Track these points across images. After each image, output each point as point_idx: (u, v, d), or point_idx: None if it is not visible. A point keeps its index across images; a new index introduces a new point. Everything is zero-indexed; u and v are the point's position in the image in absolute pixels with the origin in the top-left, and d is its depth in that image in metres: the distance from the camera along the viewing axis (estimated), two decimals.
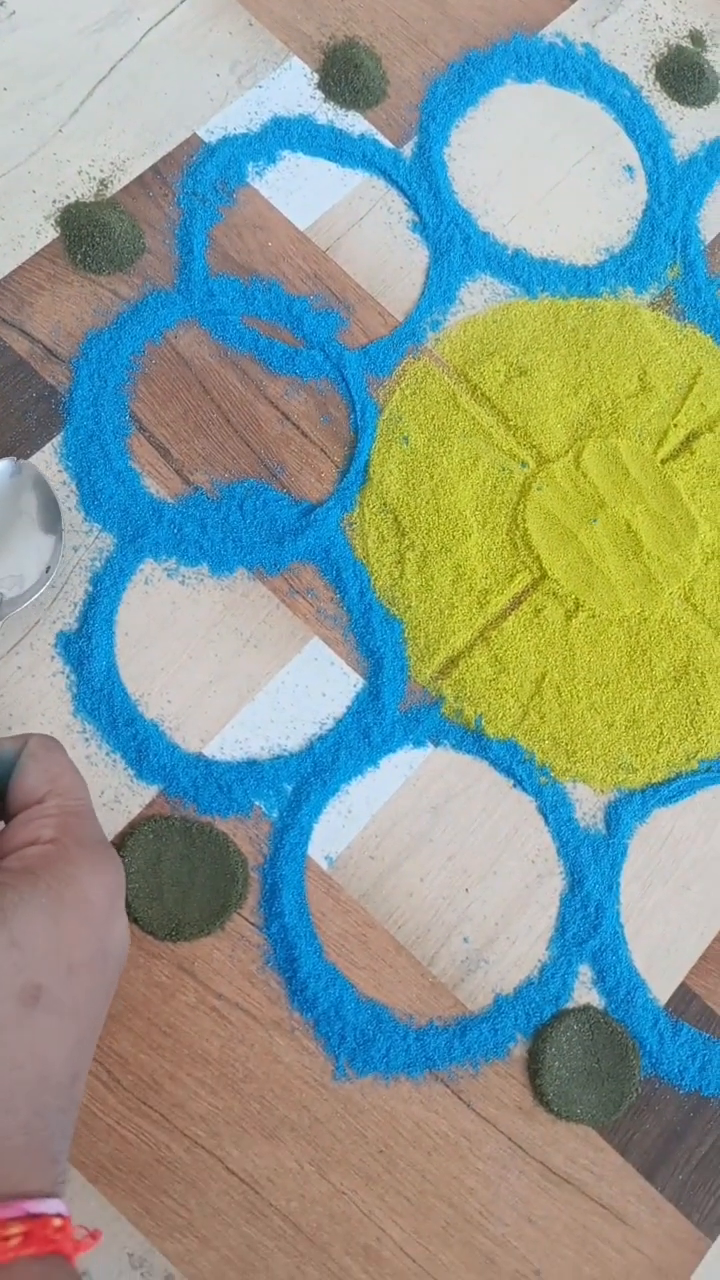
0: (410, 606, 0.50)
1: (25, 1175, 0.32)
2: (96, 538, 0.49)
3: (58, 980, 0.34)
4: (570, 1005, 0.46)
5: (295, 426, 0.52)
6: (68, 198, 0.53)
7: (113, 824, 0.45)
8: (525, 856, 0.48)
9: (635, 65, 0.60)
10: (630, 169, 0.59)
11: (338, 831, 0.47)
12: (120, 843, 0.45)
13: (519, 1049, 0.45)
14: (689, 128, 0.60)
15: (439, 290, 0.55)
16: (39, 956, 0.34)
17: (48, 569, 0.46)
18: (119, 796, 0.46)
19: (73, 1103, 0.34)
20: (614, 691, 0.50)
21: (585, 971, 0.47)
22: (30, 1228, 0.31)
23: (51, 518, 0.47)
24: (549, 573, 0.51)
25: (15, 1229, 0.31)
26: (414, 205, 0.56)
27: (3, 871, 0.35)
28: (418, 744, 0.48)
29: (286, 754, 0.47)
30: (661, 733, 0.50)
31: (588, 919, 0.47)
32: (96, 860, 0.37)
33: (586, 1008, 0.46)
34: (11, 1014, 0.33)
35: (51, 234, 0.52)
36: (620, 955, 0.47)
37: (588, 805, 0.49)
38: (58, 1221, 0.32)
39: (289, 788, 0.47)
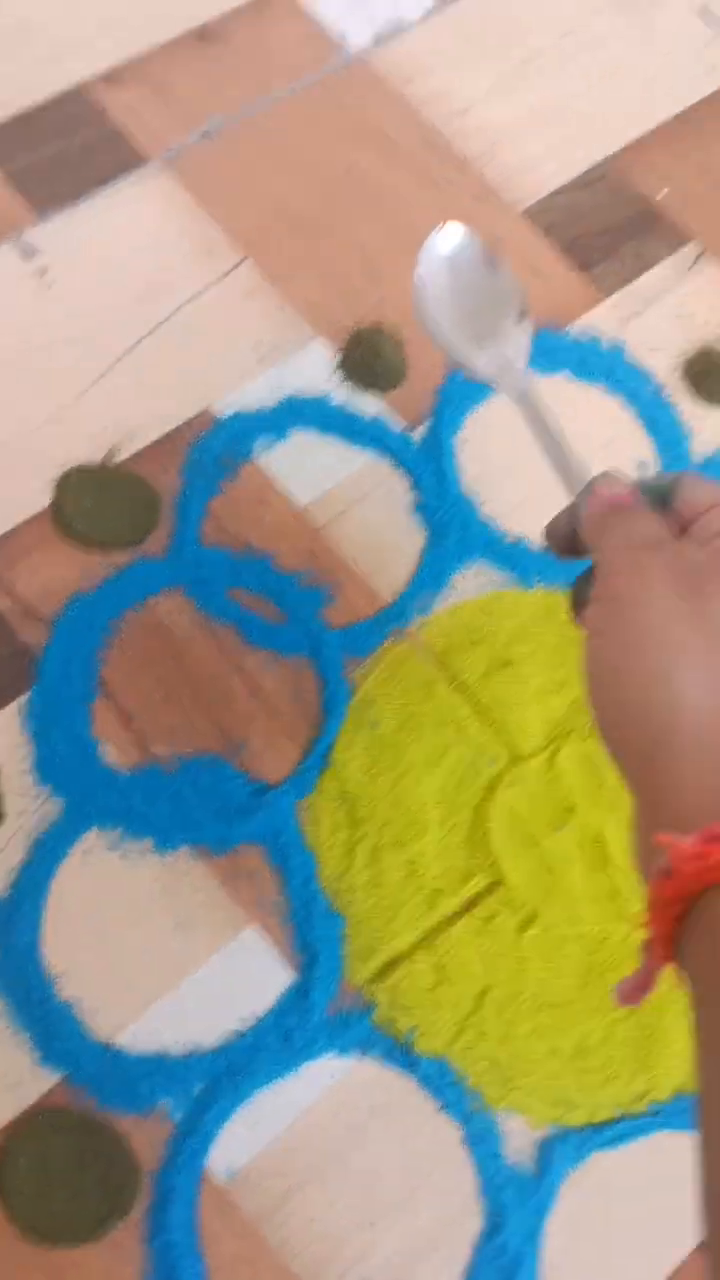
0: (355, 901, 0.48)
1: None
2: (45, 802, 0.48)
3: None
4: None
5: (265, 703, 0.51)
6: (73, 463, 0.55)
7: (6, 1110, 0.43)
8: (443, 1191, 0.44)
9: (663, 362, 0.61)
10: (646, 465, 0.58)
11: (243, 1142, 0.44)
12: (10, 1132, 0.43)
13: None
14: (711, 427, 0.59)
15: (431, 574, 0.55)
16: None
17: (525, 329, 0.45)
18: (20, 1080, 0.44)
19: None
20: (563, 1015, 0.47)
21: None
22: None
23: (513, 289, 0.46)
24: (506, 878, 0.49)
25: None
26: (417, 488, 0.56)
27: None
28: (342, 1052, 0.46)
29: (200, 1051, 0.45)
30: (610, 1066, 0.46)
31: (501, 1271, 0.43)
32: None
33: None
34: None
35: (49, 497, 0.54)
36: None
37: (519, 1140, 0.45)
38: None
39: (198, 1088, 0.45)
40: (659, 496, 0.39)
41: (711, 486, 0.39)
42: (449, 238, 0.46)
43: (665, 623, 0.34)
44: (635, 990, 0.31)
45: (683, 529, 0.38)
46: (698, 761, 0.32)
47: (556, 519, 0.41)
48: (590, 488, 0.39)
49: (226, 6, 0.68)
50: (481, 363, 0.45)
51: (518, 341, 0.45)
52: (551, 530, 0.41)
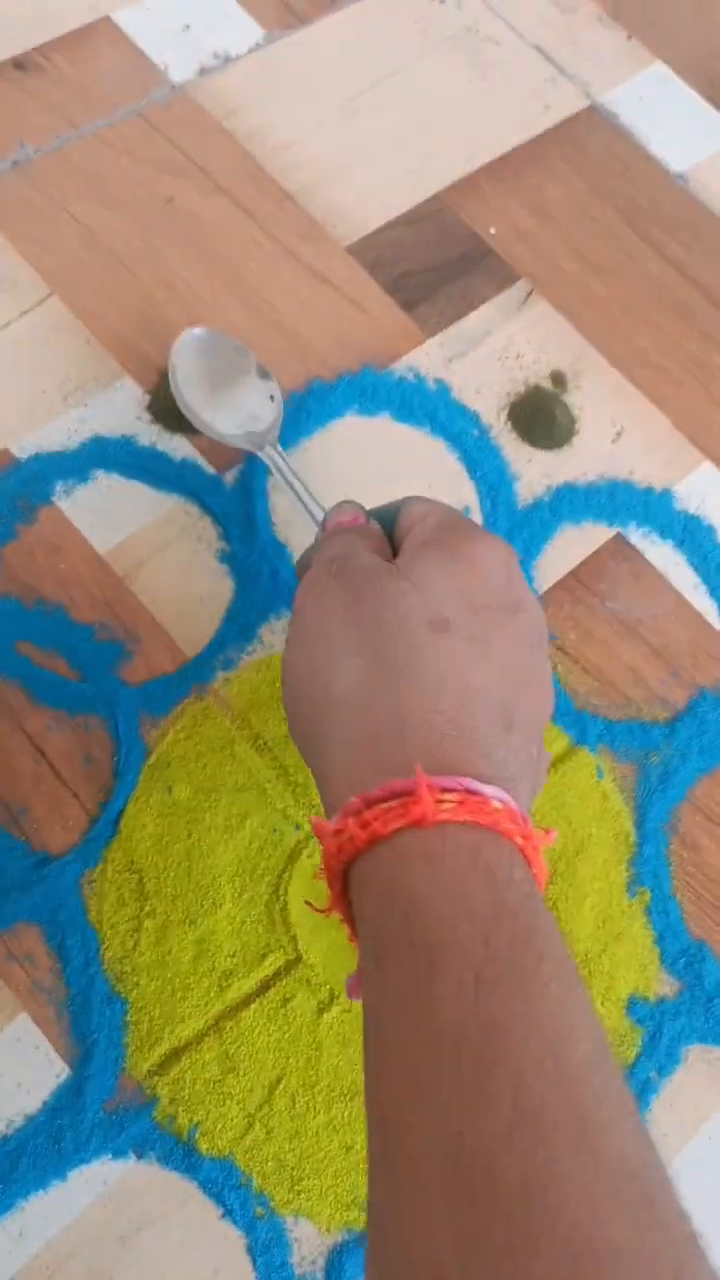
0: (139, 984, 0.44)
1: (457, 760, 0.34)
2: None
3: (462, 615, 0.38)
4: None
5: (50, 766, 0.47)
6: None
7: None
8: None
9: (489, 404, 0.58)
10: (468, 509, 0.55)
11: (3, 1256, 0.40)
12: None
13: None
14: (536, 471, 0.57)
15: (237, 626, 0.51)
16: (440, 596, 0.38)
17: (271, 398, 0.52)
18: None
19: (510, 729, 0.36)
20: (360, 1107, 0.43)
21: None
22: (464, 799, 0.32)
23: (252, 363, 0.53)
24: (305, 956, 0.45)
25: (450, 796, 0.32)
26: (226, 535, 0.53)
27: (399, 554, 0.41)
28: (117, 1154, 0.42)
29: None
30: None
31: None
32: (482, 534, 0.41)
33: None
34: (426, 637, 0.37)
35: None
36: None
37: (308, 1247, 0.41)
38: (496, 804, 0.33)
39: None
40: (391, 518, 0.44)
41: (426, 503, 0.44)
42: (194, 334, 0.54)
43: (324, 626, 0.39)
44: (357, 985, 0.34)
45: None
46: (344, 746, 0.36)
47: (305, 553, 0.45)
48: (329, 515, 0.45)
49: (47, 35, 0.65)
50: (227, 428, 0.52)
51: (260, 402, 0.53)
52: (301, 564, 0.45)
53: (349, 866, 0.34)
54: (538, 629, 0.41)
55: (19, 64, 0.64)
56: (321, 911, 0.37)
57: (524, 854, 0.34)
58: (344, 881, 0.34)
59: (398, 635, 0.37)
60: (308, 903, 0.43)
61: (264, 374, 0.54)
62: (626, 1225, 0.26)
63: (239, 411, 0.52)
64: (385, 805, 0.33)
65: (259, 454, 0.51)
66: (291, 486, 0.49)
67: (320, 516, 0.48)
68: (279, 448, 0.51)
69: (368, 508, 0.46)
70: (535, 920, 0.32)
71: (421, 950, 0.31)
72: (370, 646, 0.37)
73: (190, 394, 0.53)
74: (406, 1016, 0.30)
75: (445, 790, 0.33)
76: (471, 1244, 0.26)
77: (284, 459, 0.51)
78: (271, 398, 0.53)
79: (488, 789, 0.33)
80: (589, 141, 0.66)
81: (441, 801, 0.32)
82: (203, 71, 0.65)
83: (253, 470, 0.54)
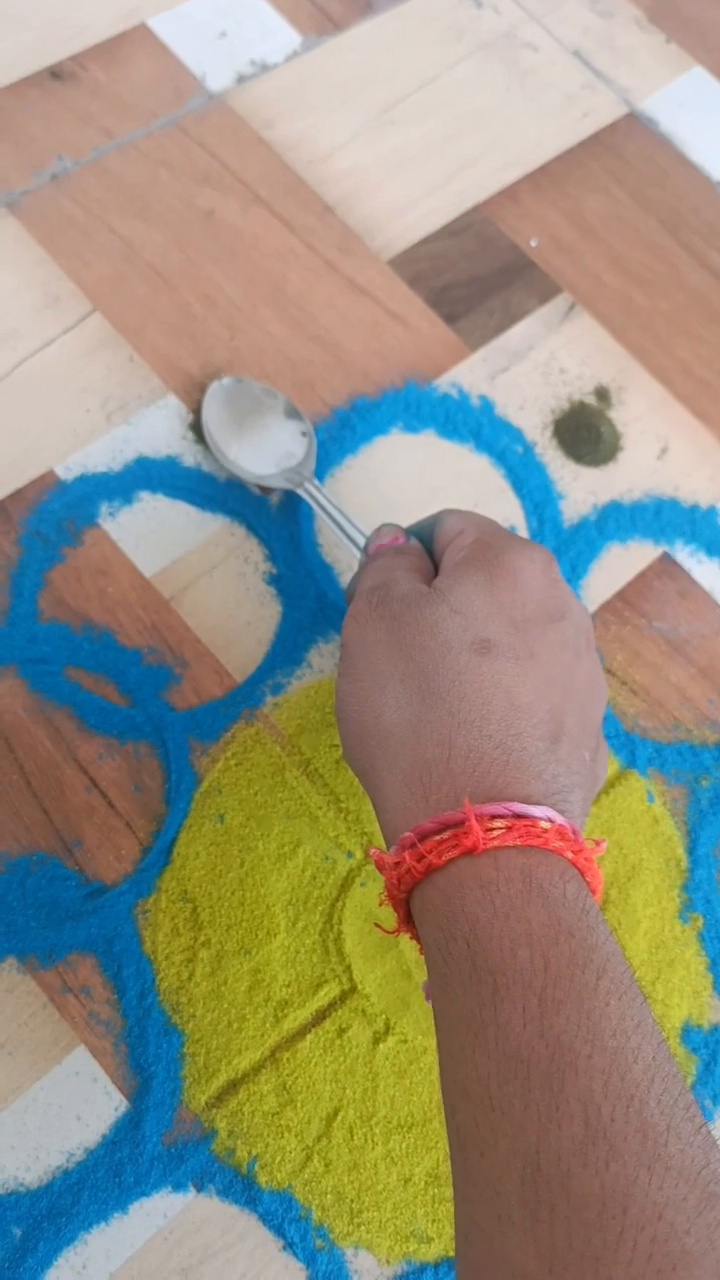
0: (195, 1016, 0.44)
1: (505, 784, 0.35)
2: None
3: (504, 633, 0.38)
4: None
5: (103, 795, 0.47)
6: None
7: None
8: None
9: (532, 420, 0.58)
10: (514, 528, 0.55)
11: None
12: None
13: None
14: (582, 489, 0.56)
15: (285, 650, 0.51)
16: (481, 617, 0.39)
17: (303, 434, 0.54)
18: None
19: (559, 740, 0.37)
20: (417, 1138, 0.43)
21: None
22: (513, 824, 0.34)
23: (280, 403, 0.55)
24: (359, 986, 0.45)
25: (499, 823, 0.34)
26: (272, 556, 0.53)
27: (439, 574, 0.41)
28: (177, 1187, 0.42)
29: (21, 1189, 0.41)
30: None
31: None
32: (519, 544, 0.42)
33: None
34: (469, 661, 0.38)
35: None
36: None
37: (369, 1279, 0.41)
38: (545, 824, 0.34)
39: (18, 1232, 0.40)
40: (430, 532, 0.45)
41: (461, 517, 0.44)
42: (222, 385, 0.55)
43: (370, 658, 0.39)
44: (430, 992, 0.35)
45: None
46: (396, 777, 0.37)
47: (351, 580, 0.46)
48: (370, 540, 0.46)
49: (82, 44, 0.64)
50: (264, 469, 0.53)
51: (293, 439, 0.54)
52: (348, 592, 0.46)
53: (410, 894, 0.36)
54: (583, 632, 0.42)
55: (55, 73, 0.63)
56: (390, 933, 0.38)
57: (577, 866, 0.35)
58: (406, 908, 0.36)
59: (441, 663, 0.38)
60: (377, 925, 0.43)
61: (293, 413, 0.55)
62: (695, 1230, 0.27)
63: (274, 451, 0.53)
64: (438, 838, 0.34)
65: (299, 491, 0.52)
66: (332, 518, 0.50)
67: (362, 543, 0.48)
68: (316, 482, 0.52)
69: (405, 525, 0.47)
70: (591, 937, 0.33)
71: (485, 976, 0.32)
72: (415, 676, 0.38)
73: (224, 442, 0.53)
74: (476, 1039, 0.32)
75: (494, 817, 0.34)
76: (553, 1256, 0.28)
77: (322, 493, 0.51)
78: (303, 434, 0.54)
79: (536, 810, 0.34)
80: (628, 149, 0.66)
81: (490, 829, 0.34)
82: (240, 80, 0.64)
83: (308, 505, 0.54)
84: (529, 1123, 0.29)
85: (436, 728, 0.37)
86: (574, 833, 0.35)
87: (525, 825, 0.34)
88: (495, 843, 0.34)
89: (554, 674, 0.39)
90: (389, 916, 0.46)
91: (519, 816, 0.34)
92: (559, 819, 0.35)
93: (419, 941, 0.36)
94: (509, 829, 0.34)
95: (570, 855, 0.35)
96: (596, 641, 0.52)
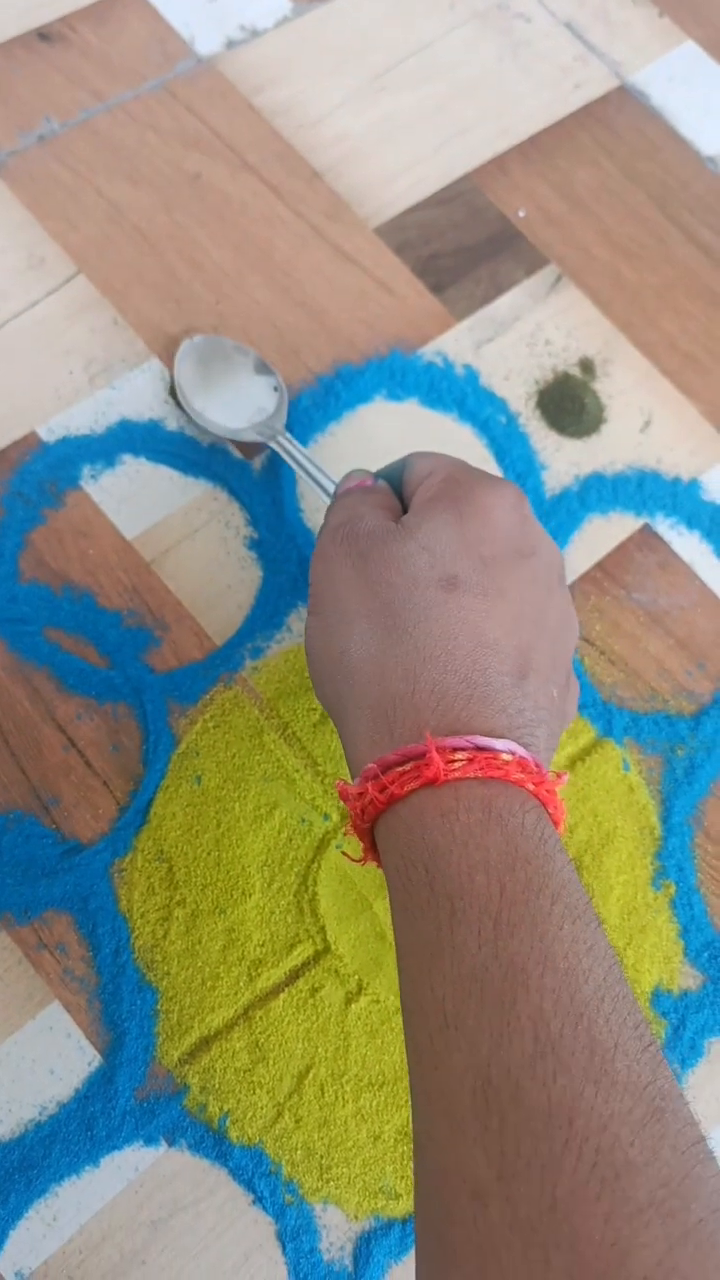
0: (169, 973, 0.44)
1: (470, 718, 0.36)
2: None
3: (472, 570, 0.39)
4: None
5: (80, 755, 0.47)
6: None
7: None
8: None
9: (517, 390, 0.58)
10: None
11: (37, 1241, 0.40)
12: None
13: None
14: (565, 460, 0.57)
15: (265, 614, 0.51)
16: (449, 554, 0.39)
17: (275, 389, 0.54)
18: None
19: (526, 676, 0.38)
20: (387, 1096, 0.43)
21: None
22: (474, 756, 0.34)
23: (251, 359, 0.55)
24: (333, 946, 0.45)
25: (461, 755, 0.34)
26: (254, 521, 0.53)
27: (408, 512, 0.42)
28: (149, 1141, 0.42)
29: None
30: None
31: None
32: (489, 481, 0.42)
33: None
34: (436, 598, 0.38)
35: None
36: None
37: (337, 1234, 0.42)
38: (507, 756, 0.35)
39: None
40: (399, 476, 0.45)
41: (431, 458, 0.44)
42: (193, 343, 0.55)
43: (336, 593, 0.40)
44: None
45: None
46: (363, 711, 0.37)
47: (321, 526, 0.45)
48: (340, 485, 0.46)
49: (71, 5, 0.64)
50: (236, 423, 0.53)
51: (264, 394, 0.54)
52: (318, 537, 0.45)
53: (374, 825, 0.37)
54: (553, 569, 0.42)
55: (43, 35, 0.63)
56: (357, 861, 0.39)
57: (539, 798, 0.35)
58: (371, 838, 0.37)
59: (408, 598, 0.38)
60: (343, 852, 0.45)
61: (264, 369, 0.55)
62: (639, 1141, 0.28)
63: (246, 406, 0.54)
64: (400, 769, 0.35)
65: (270, 444, 0.52)
66: (302, 467, 0.50)
67: (332, 490, 0.49)
68: (288, 435, 0.52)
69: (374, 470, 0.47)
70: (548, 865, 0.34)
71: (443, 900, 0.33)
72: (381, 612, 0.39)
73: (196, 398, 0.54)
74: (434, 960, 0.32)
75: (455, 750, 0.35)
76: (502, 1163, 0.29)
77: (294, 445, 0.51)
78: (274, 389, 0.54)
79: (498, 743, 0.35)
80: (619, 122, 0.66)
81: (452, 761, 0.34)
82: (230, 44, 0.64)
83: (280, 457, 0.54)
84: (481, 1038, 0.30)
85: (402, 663, 0.37)
86: (536, 765, 0.36)
87: (486, 757, 0.35)
88: (456, 774, 0.34)
89: (523, 610, 0.39)
90: (364, 878, 0.46)
91: (481, 749, 0.35)
92: (521, 752, 0.35)
93: (383, 867, 0.37)
94: (470, 761, 0.34)
95: (532, 787, 0.35)
96: (577, 613, 0.52)
